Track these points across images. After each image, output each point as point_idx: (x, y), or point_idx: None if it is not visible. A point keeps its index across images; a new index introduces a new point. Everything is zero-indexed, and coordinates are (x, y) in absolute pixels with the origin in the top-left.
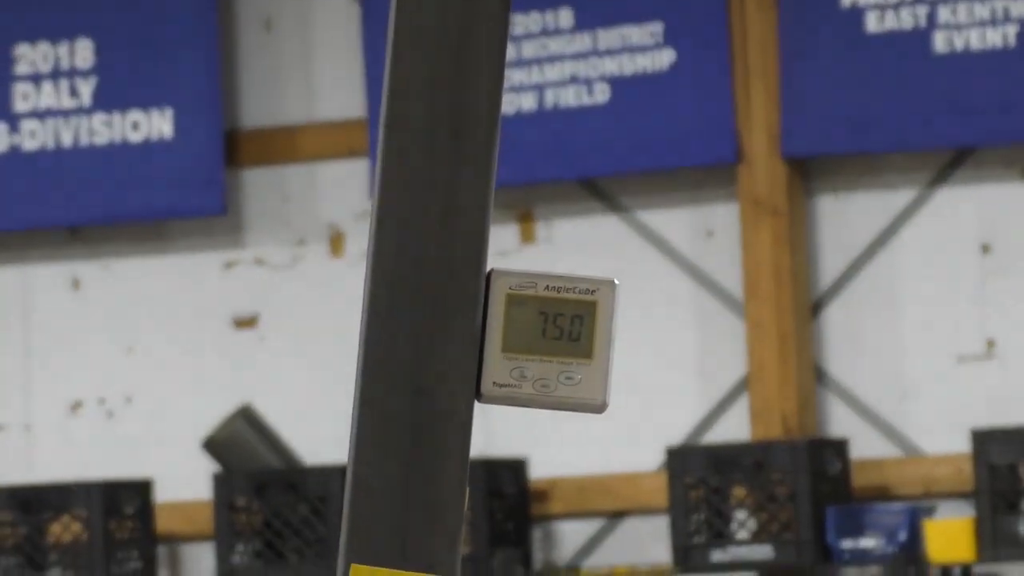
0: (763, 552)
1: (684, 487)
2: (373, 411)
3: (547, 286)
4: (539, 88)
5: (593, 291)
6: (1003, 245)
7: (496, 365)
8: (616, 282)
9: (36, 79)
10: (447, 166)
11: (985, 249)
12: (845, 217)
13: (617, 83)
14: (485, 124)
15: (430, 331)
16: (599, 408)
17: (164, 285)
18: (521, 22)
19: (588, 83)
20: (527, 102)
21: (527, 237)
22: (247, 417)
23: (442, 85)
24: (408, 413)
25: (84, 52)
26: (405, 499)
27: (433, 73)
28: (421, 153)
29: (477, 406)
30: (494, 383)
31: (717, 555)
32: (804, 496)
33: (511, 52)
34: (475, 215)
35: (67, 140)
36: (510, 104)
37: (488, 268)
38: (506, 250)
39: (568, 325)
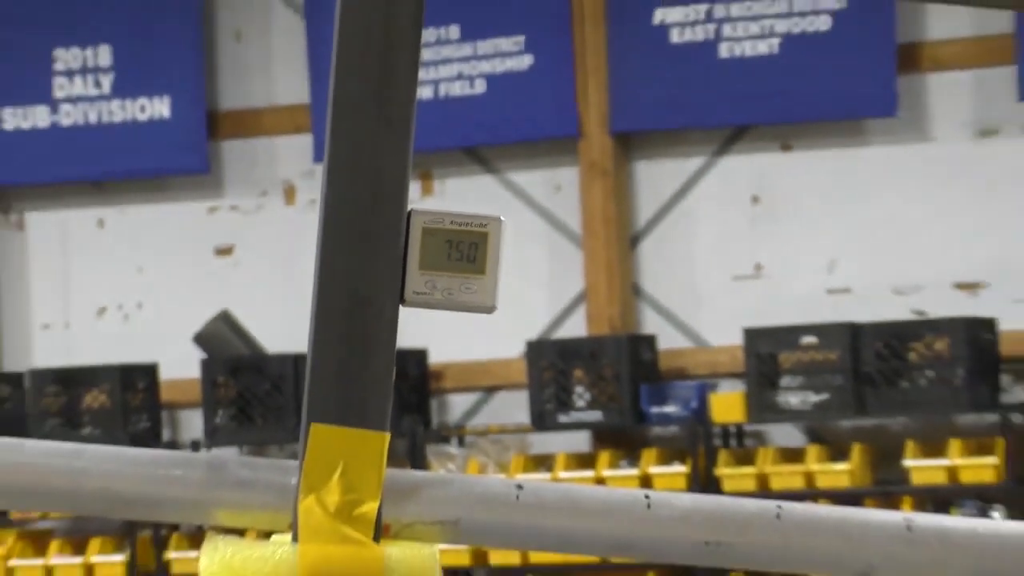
0: (595, 416)
1: (539, 370)
2: (325, 312)
3: (452, 221)
4: (435, 82)
5: (485, 225)
6: (768, 196)
7: (415, 279)
8: (503, 219)
9: (69, 75)
10: (378, 137)
11: (755, 200)
12: (655, 176)
13: (491, 79)
14: (405, 107)
15: (367, 255)
16: (490, 310)
17: (165, 223)
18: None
19: (470, 79)
20: (426, 92)
21: (427, 191)
22: (225, 319)
23: (373, 78)
24: (351, 313)
25: (104, 55)
26: (349, 376)
27: (366, 68)
28: (358, 128)
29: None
30: (414, 292)
31: (562, 418)
32: (625, 376)
33: None
34: (398, 171)
35: (92, 119)
36: None
37: (408, 208)
38: (411, 200)
39: (467, 250)
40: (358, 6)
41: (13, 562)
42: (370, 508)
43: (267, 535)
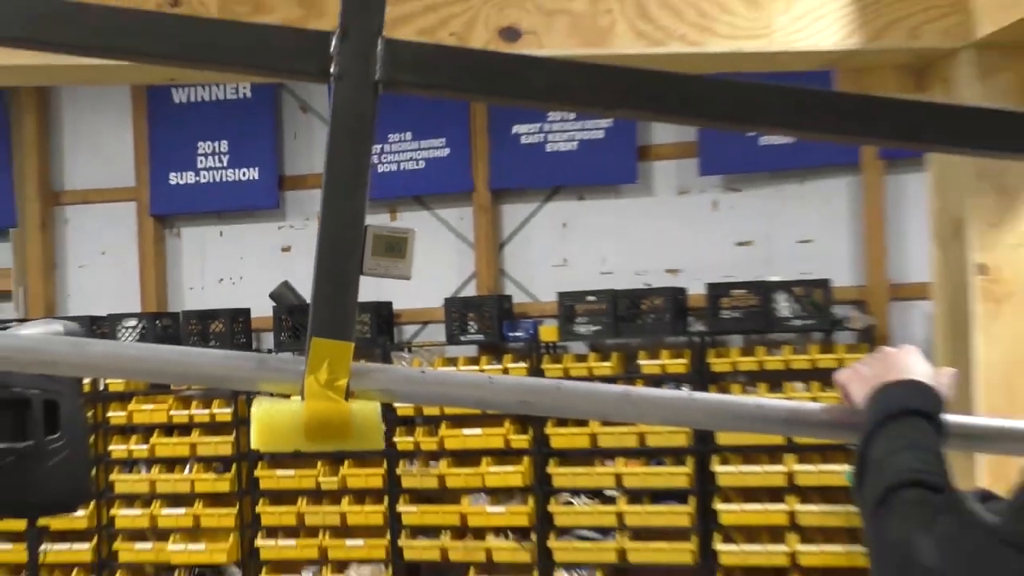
0: (479, 337)
1: (452, 313)
2: (321, 279)
3: (388, 230)
4: (398, 163)
5: (406, 233)
6: (571, 224)
7: (368, 261)
8: (415, 230)
9: (205, 155)
10: (350, 192)
11: (564, 225)
12: (512, 212)
13: (428, 161)
14: (362, 178)
15: (343, 250)
16: (408, 278)
17: (254, 234)
18: (390, 137)
19: (417, 160)
20: (393, 168)
21: (392, 219)
22: (286, 285)
23: (346, 161)
24: (334, 280)
25: (224, 145)
26: (332, 313)
27: (342, 156)
28: (340, 187)
29: (364, 279)
30: (368, 268)
31: (463, 339)
32: (495, 317)
33: (384, 148)
34: (359, 206)
35: (217, 179)
36: (384, 168)
37: (366, 224)
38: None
39: (397, 246)
40: (341, 134)
41: (171, 412)
42: (343, 383)
43: (287, 396)
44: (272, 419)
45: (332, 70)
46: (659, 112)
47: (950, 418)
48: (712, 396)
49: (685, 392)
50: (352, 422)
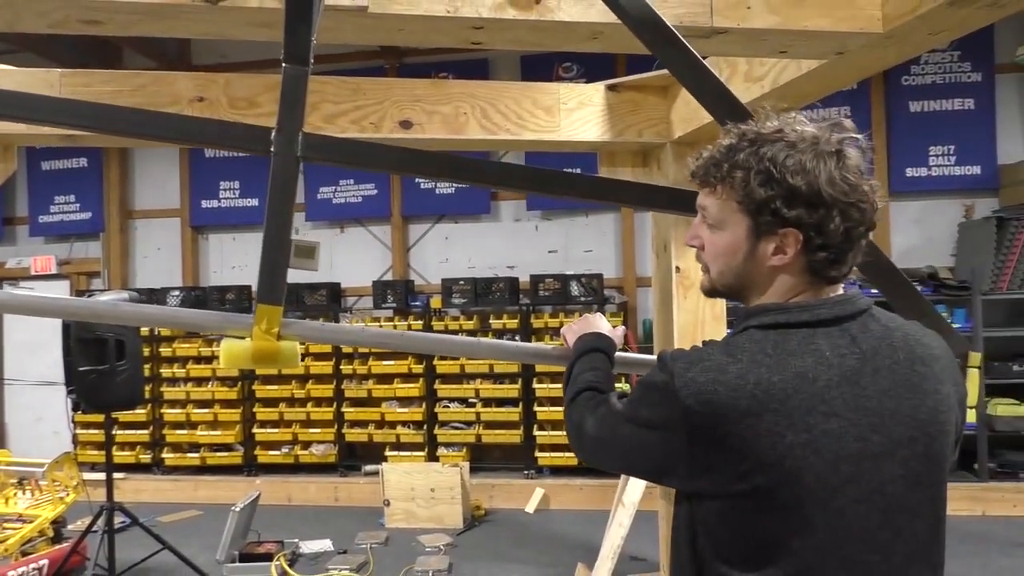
0: (394, 305)
1: (377, 290)
2: (265, 266)
3: (304, 242)
4: (344, 198)
5: (315, 243)
6: (451, 237)
7: (292, 260)
8: (319, 242)
9: (225, 189)
10: (282, 218)
11: (446, 239)
12: (415, 230)
13: (364, 197)
14: (287, 209)
15: (277, 252)
16: (316, 270)
17: (255, 241)
18: (340, 182)
19: (357, 196)
20: (341, 200)
21: (342, 232)
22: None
23: (279, 200)
24: (271, 269)
25: (237, 184)
26: (270, 286)
27: (277, 197)
28: (276, 215)
29: (309, 273)
30: (291, 263)
31: (383, 306)
32: (401, 292)
33: (337, 189)
34: (286, 226)
35: (231, 206)
36: (338, 200)
37: (292, 238)
38: (326, 236)
39: (309, 251)
40: (276, 185)
41: (200, 349)
42: (276, 330)
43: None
44: (233, 350)
45: (272, 149)
46: (452, 178)
47: (617, 354)
48: (499, 341)
49: (474, 338)
50: (280, 353)
